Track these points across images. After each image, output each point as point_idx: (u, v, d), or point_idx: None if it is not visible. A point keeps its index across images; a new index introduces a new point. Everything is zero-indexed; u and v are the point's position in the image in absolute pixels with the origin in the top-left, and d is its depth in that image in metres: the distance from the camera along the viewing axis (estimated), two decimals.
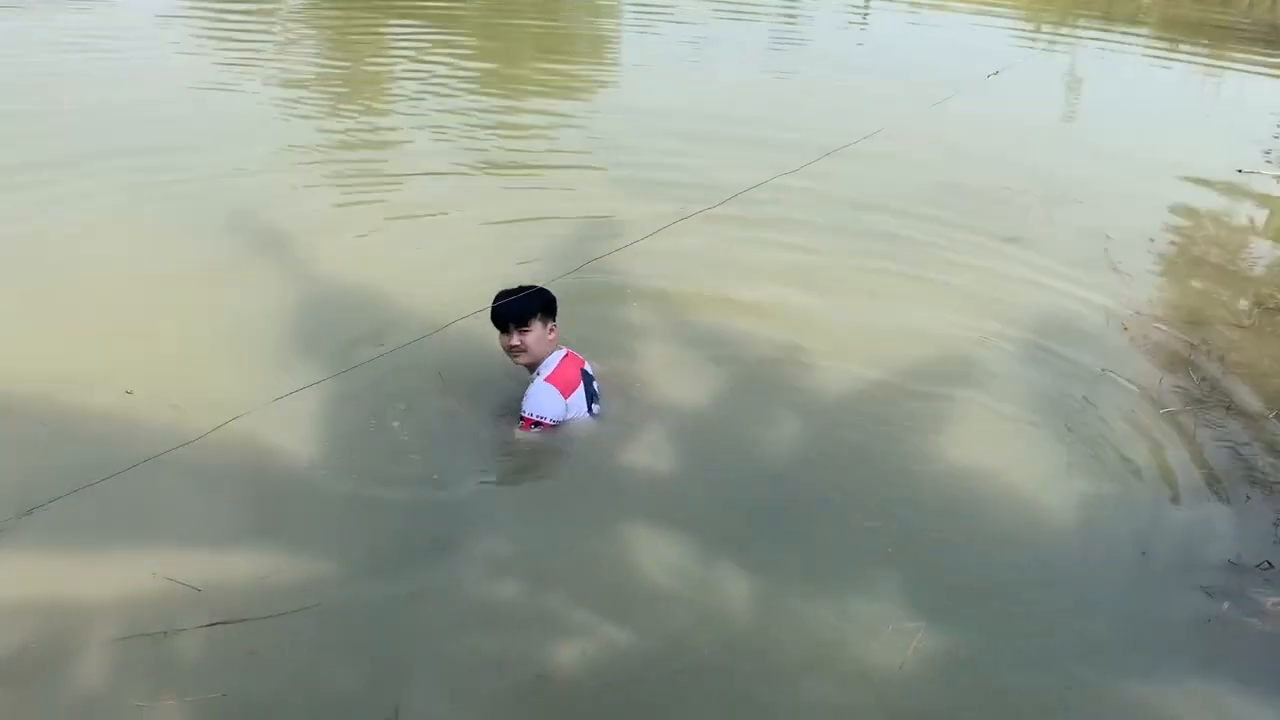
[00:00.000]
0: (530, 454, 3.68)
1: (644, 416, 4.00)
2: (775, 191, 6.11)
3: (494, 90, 8.99)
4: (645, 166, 6.83)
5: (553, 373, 3.67)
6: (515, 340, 3.66)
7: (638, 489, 3.64)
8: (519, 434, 3.65)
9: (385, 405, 3.87)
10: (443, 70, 9.39)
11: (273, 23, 11.03)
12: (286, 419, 3.60)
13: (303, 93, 8.43)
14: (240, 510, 3.33)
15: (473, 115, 7.95)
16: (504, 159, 6.97)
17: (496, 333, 3.70)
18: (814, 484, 3.71)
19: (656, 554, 3.28)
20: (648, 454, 3.81)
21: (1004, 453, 3.92)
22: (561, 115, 8.21)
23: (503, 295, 3.67)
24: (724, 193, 5.96)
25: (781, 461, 3.85)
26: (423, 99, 8.30)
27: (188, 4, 11.37)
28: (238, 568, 3.05)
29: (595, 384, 3.85)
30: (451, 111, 7.87)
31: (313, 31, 11.04)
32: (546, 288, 3.80)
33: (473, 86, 8.99)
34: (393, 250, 5.30)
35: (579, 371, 3.77)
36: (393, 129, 7.57)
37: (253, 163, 6.47)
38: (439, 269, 5.02)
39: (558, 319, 3.79)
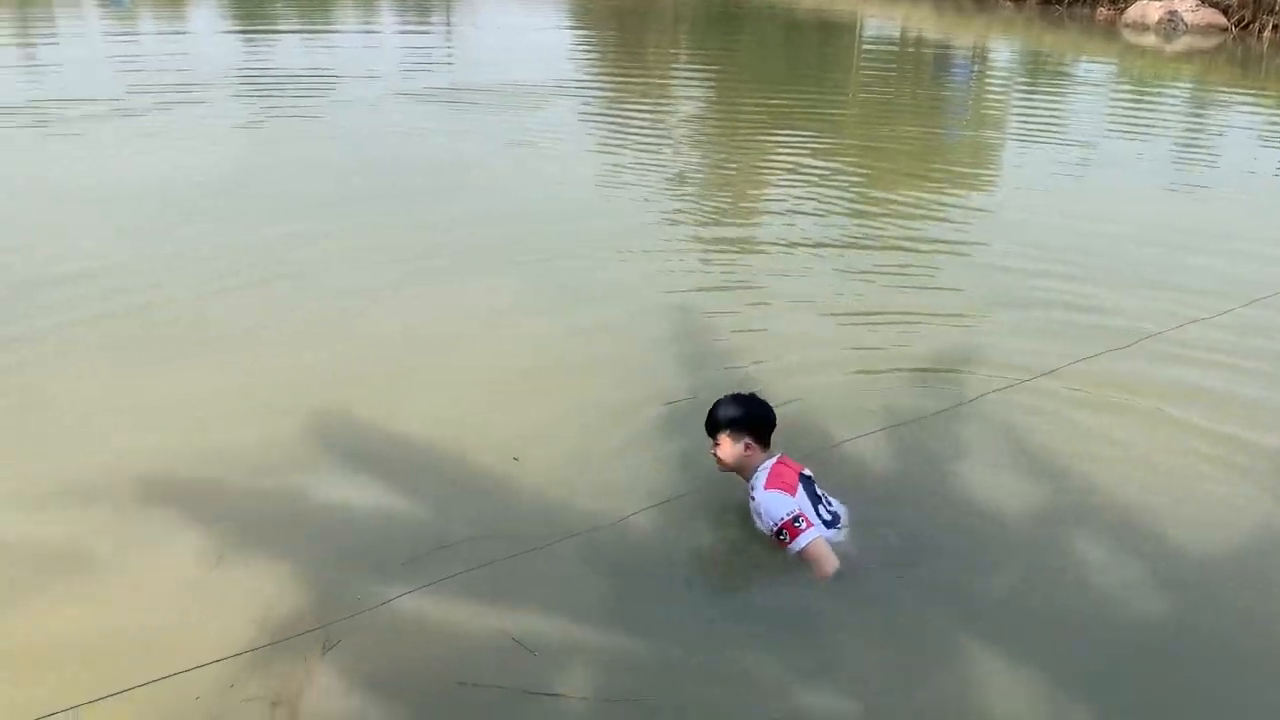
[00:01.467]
0: (877, 575, 3.67)
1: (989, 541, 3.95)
2: (1182, 333, 5.72)
3: (869, 197, 9.16)
4: (1030, 295, 6.62)
5: (767, 481, 3.68)
6: (712, 450, 3.81)
7: (977, 620, 3.54)
8: (793, 551, 3.58)
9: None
10: (820, 176, 9.76)
11: (666, 130, 12.06)
12: (652, 513, 3.96)
13: (686, 190, 9.18)
14: (587, 589, 3.63)
15: (848, 227, 8.13)
16: (876, 269, 7.13)
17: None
18: (1192, 636, 3.50)
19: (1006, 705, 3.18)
20: (995, 580, 3.74)
21: None
22: (940, 235, 8.09)
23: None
24: (1119, 326, 5.75)
25: (1152, 601, 3.66)
26: (800, 209, 8.59)
27: (596, 111, 12.81)
28: (579, 643, 3.37)
29: (818, 488, 3.80)
30: (826, 226, 8.08)
31: (702, 137, 11.92)
32: (751, 399, 3.86)
33: (848, 194, 9.21)
34: (757, 345, 5.62)
35: (797, 475, 3.75)
36: (767, 229, 8.04)
37: (634, 250, 7.22)
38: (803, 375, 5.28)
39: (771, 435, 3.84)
